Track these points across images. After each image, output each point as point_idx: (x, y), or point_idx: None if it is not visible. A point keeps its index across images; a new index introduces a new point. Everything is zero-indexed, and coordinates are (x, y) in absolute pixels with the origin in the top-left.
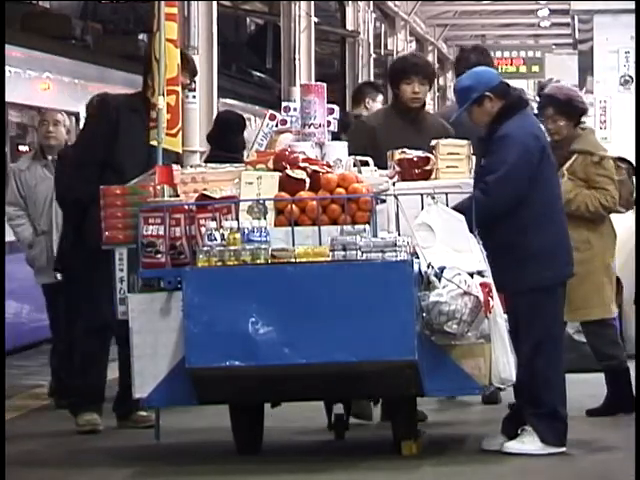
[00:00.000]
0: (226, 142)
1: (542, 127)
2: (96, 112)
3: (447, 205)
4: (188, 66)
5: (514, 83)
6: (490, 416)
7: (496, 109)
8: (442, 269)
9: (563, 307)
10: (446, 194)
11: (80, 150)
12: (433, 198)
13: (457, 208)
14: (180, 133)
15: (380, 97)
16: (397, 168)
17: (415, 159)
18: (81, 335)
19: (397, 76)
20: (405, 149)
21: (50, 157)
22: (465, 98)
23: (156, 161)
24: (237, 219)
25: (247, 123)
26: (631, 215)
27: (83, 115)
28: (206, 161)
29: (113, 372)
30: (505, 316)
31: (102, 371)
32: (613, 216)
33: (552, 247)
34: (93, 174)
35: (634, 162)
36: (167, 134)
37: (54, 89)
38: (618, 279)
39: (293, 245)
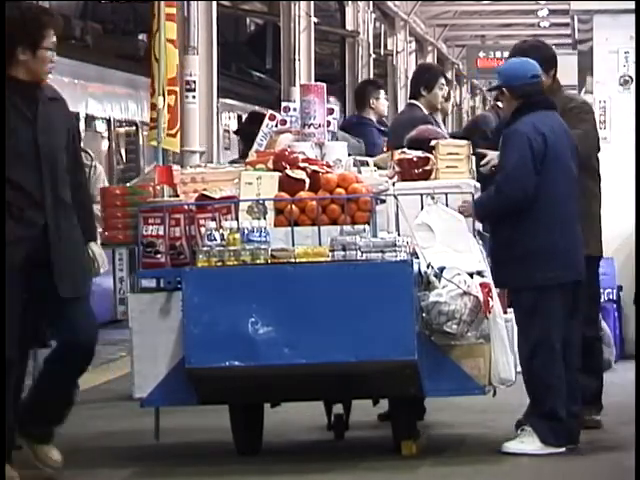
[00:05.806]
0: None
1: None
2: None
3: (447, 205)
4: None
5: None
6: (490, 416)
7: (507, 106)
8: (442, 269)
9: (562, 310)
10: (446, 194)
11: None
12: (433, 198)
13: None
14: (179, 133)
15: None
16: (397, 168)
17: (415, 159)
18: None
19: None
20: (405, 149)
21: None
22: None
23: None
24: (237, 219)
25: None
26: (631, 215)
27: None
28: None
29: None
30: (505, 316)
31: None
32: (614, 215)
33: (552, 247)
34: None
35: (634, 162)
36: (167, 134)
37: None
38: None
39: (293, 245)
